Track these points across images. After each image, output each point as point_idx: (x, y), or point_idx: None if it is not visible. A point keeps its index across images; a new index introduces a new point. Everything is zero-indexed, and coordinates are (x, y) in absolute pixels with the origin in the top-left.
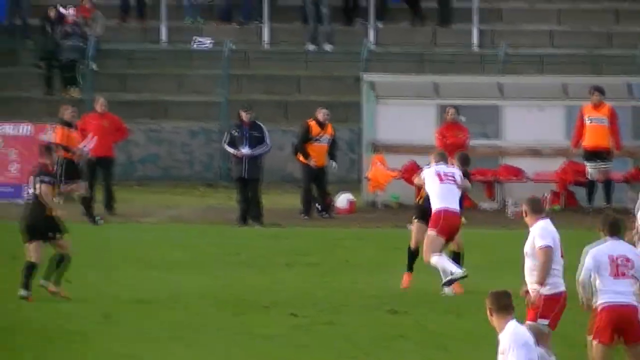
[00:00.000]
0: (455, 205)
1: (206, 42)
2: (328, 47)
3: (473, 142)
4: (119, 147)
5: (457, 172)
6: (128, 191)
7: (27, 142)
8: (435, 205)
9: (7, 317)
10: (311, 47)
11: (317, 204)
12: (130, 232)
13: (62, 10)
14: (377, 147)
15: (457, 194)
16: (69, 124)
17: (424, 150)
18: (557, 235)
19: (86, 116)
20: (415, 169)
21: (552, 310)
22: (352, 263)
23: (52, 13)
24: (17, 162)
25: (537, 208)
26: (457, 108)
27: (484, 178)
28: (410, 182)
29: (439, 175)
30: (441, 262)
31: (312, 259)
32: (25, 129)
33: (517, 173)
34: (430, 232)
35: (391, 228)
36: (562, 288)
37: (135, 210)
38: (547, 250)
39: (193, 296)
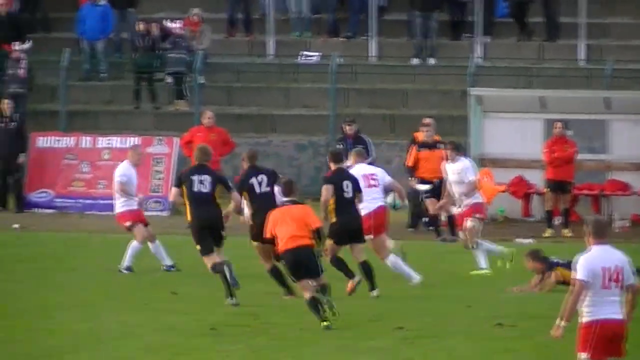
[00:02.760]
0: None
1: (313, 56)
2: (432, 61)
3: (580, 157)
4: (226, 161)
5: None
6: None
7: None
8: None
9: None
10: (415, 61)
11: (424, 218)
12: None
13: (168, 23)
14: (484, 161)
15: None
16: None
17: (530, 164)
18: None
19: (193, 129)
20: (521, 183)
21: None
22: (458, 276)
23: (141, 26)
24: None
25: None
26: (565, 122)
27: (590, 192)
28: (518, 196)
29: None
30: None
31: (418, 271)
32: (132, 141)
33: (624, 187)
34: None
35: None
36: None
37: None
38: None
39: (300, 309)
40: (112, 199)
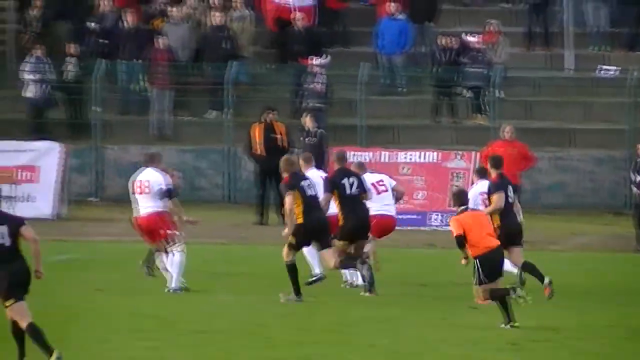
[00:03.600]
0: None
1: (611, 70)
2: None
3: None
4: (525, 175)
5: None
6: (533, 219)
7: (433, 169)
8: None
9: None
10: None
11: None
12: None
13: (466, 37)
14: None
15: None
16: None
17: None
18: None
19: (493, 143)
20: None
21: None
22: None
23: (443, 40)
24: (422, 189)
25: None
26: None
27: None
28: None
29: None
30: None
31: None
32: (431, 156)
33: None
34: None
35: None
36: None
37: (539, 238)
38: None
39: (601, 325)
40: (411, 213)
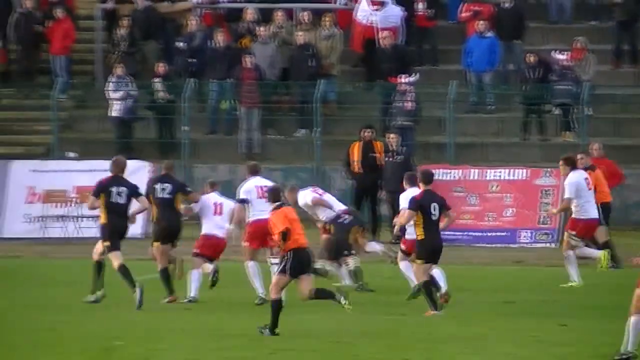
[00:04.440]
0: None
1: None
2: None
3: None
4: (615, 192)
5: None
6: (622, 235)
7: (522, 186)
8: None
9: None
10: None
11: None
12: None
13: (555, 55)
14: None
15: None
16: None
17: None
18: None
19: None
20: None
21: None
22: None
23: (531, 58)
24: (511, 206)
25: None
26: None
27: None
28: None
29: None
30: None
31: None
32: (520, 173)
33: None
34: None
35: None
36: None
37: (629, 255)
38: None
39: None
40: (500, 231)
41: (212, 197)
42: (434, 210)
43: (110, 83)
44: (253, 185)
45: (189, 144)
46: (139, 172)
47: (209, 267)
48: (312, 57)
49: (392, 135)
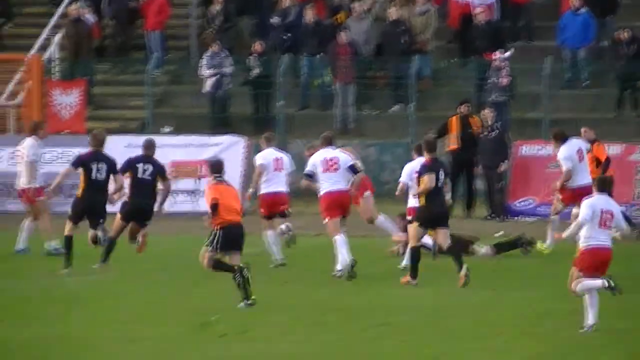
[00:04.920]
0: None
1: None
2: None
3: None
4: None
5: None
6: None
7: (617, 162)
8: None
9: None
10: None
11: None
12: None
13: None
14: None
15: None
16: None
17: None
18: None
19: None
20: None
21: None
22: None
23: (625, 34)
24: None
25: None
26: None
27: None
28: None
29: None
30: None
31: None
32: (615, 149)
33: None
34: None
35: None
36: None
37: None
38: None
39: None
40: None
41: (270, 153)
42: (441, 176)
43: (205, 59)
44: (319, 159)
45: (284, 119)
46: (234, 146)
47: (282, 227)
48: (405, 32)
49: (487, 111)
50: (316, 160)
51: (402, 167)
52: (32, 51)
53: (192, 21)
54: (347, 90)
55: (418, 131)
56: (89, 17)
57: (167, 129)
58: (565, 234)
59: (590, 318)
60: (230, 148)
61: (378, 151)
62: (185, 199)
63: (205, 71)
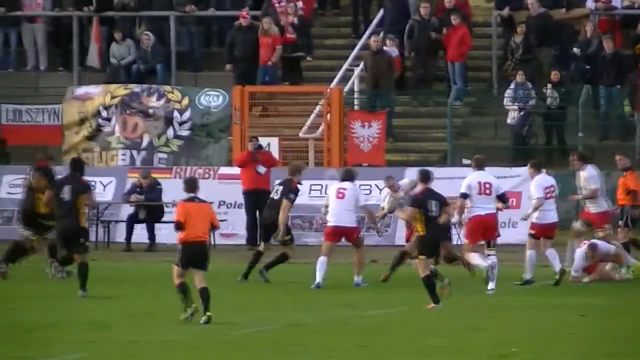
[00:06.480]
0: None
1: None
2: None
3: None
4: None
5: None
6: None
7: None
8: None
9: None
10: None
11: None
12: None
13: None
14: None
15: None
16: None
17: None
18: None
19: None
20: None
21: None
22: None
23: None
24: None
25: None
26: None
27: None
28: None
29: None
30: None
31: None
32: None
33: None
34: None
35: None
36: None
37: None
38: None
39: None
40: None
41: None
42: (434, 207)
43: (509, 90)
44: (476, 181)
45: (582, 150)
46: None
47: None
48: None
49: None
50: (473, 181)
51: None
52: (333, 83)
53: (494, 52)
54: None
55: None
56: (391, 49)
57: (466, 162)
58: None
59: None
60: (528, 180)
61: None
62: None
63: (507, 103)
